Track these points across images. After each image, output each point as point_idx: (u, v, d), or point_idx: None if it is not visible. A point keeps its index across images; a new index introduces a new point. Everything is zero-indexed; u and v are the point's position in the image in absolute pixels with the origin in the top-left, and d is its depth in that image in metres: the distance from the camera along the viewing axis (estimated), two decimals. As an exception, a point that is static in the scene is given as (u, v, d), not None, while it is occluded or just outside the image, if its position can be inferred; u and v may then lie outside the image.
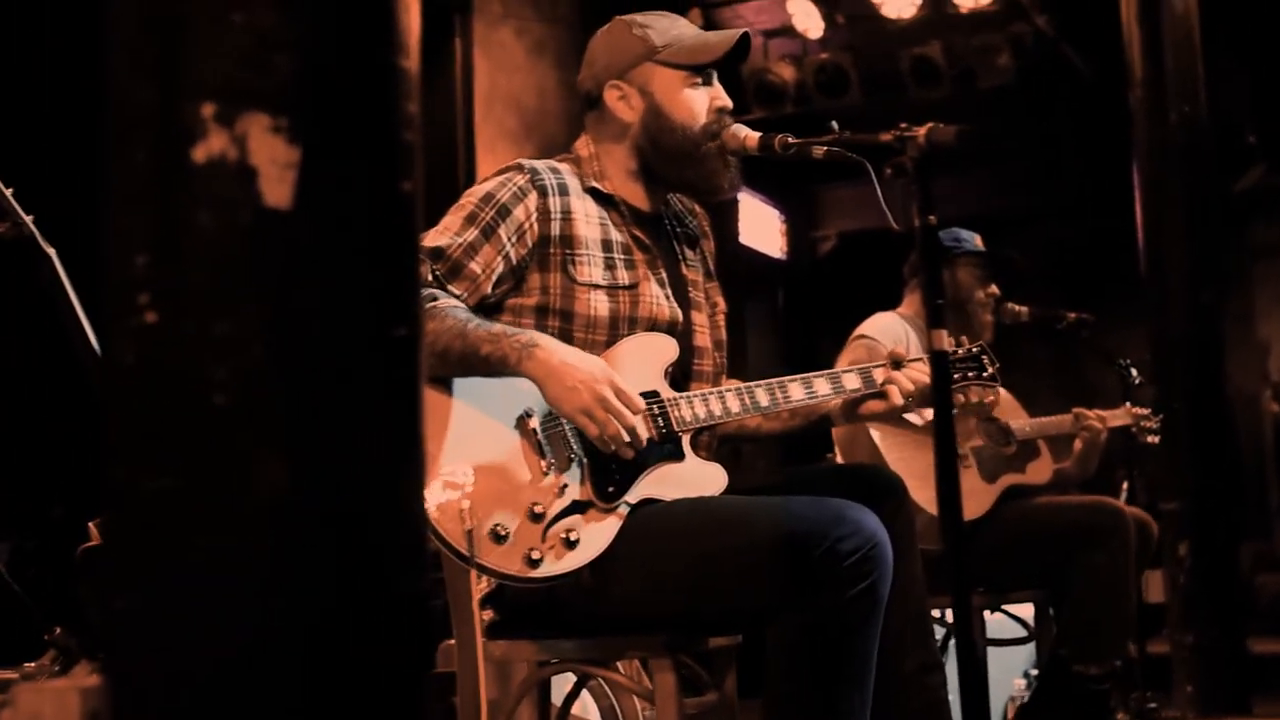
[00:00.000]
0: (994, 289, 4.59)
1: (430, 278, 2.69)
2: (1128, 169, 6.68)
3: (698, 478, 2.75)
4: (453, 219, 2.78)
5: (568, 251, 2.81)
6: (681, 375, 2.90)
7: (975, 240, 4.57)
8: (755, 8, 8.86)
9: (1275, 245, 12.45)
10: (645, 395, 2.73)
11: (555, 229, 2.81)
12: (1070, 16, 8.22)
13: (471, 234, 2.74)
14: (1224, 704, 6.04)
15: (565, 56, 7.80)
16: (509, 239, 2.77)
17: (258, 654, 1.16)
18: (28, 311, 3.39)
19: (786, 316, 11.64)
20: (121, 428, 1.20)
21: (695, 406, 2.78)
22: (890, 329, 4.38)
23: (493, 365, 2.62)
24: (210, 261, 1.19)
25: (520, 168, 2.85)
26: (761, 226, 10.87)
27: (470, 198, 2.82)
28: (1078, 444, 4.72)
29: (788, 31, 8.62)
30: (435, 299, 2.65)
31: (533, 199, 2.81)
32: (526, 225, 2.79)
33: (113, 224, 1.21)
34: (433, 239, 2.74)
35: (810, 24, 8.48)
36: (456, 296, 2.71)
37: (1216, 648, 6.16)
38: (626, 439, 2.62)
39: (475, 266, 2.73)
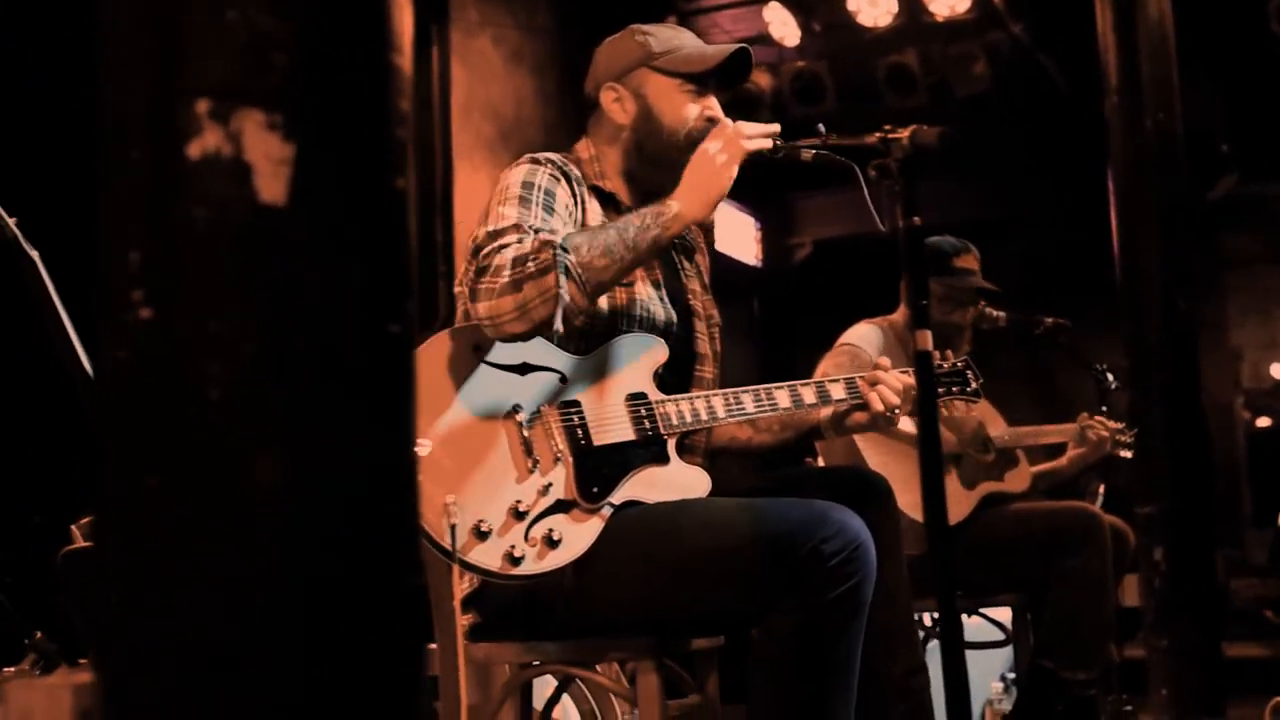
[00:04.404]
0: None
1: (530, 237, 2.62)
2: (1103, 177, 6.71)
3: (681, 481, 2.75)
4: (507, 208, 2.72)
5: None
6: (682, 380, 2.91)
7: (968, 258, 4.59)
8: (732, 15, 8.89)
9: (1246, 254, 12.54)
10: (633, 396, 2.74)
11: (579, 216, 2.83)
12: (1046, 25, 8.26)
13: (535, 210, 2.72)
14: (1198, 707, 6.06)
15: (543, 65, 7.80)
16: (564, 215, 2.78)
17: (253, 652, 1.16)
18: (8, 316, 3.37)
19: (762, 324, 11.65)
20: (114, 425, 1.20)
21: (683, 409, 2.78)
22: (873, 338, 4.39)
23: (658, 241, 2.71)
24: (204, 258, 1.19)
25: (538, 160, 2.85)
26: (737, 234, 10.89)
27: (511, 188, 2.77)
28: (1079, 449, 4.76)
29: (764, 39, 8.64)
30: (550, 241, 2.58)
31: (564, 185, 2.83)
32: (570, 205, 2.81)
33: (107, 221, 1.21)
34: (497, 221, 2.68)
35: (786, 32, 8.51)
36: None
37: (1191, 651, 6.19)
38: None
39: (556, 229, 2.72)
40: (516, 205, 2.72)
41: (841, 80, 8.68)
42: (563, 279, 2.53)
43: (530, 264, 2.53)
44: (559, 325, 2.55)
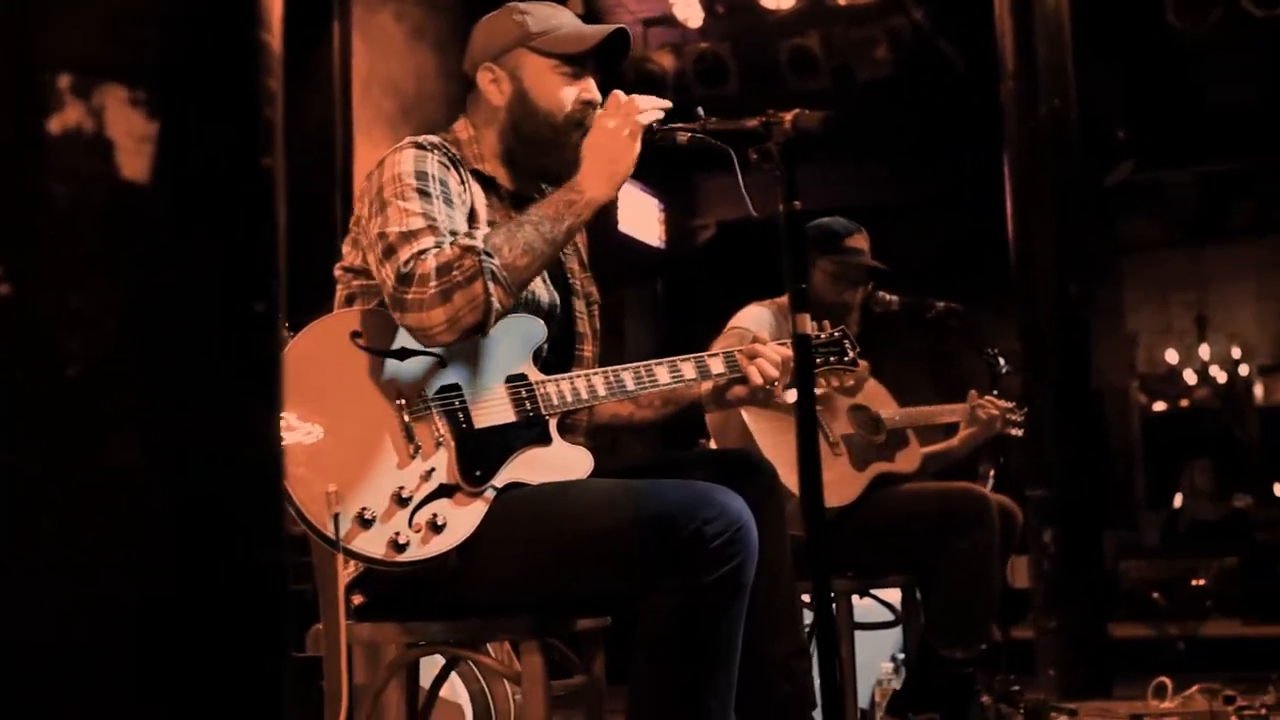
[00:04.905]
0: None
1: (449, 242, 2.59)
2: (999, 162, 6.80)
3: (564, 461, 2.75)
4: (409, 203, 2.65)
5: (472, 226, 2.78)
6: (564, 360, 2.91)
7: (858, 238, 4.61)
8: (637, -5, 8.89)
9: (1143, 240, 12.75)
10: (513, 378, 2.73)
11: (469, 202, 2.81)
12: (946, 11, 8.35)
13: (438, 205, 2.68)
14: (1085, 687, 6.19)
15: (445, 41, 7.77)
16: (459, 204, 2.75)
17: (104, 632, 1.15)
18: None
19: (665, 304, 11.69)
20: (-31, 402, 1.18)
21: (563, 389, 2.78)
22: (763, 320, 4.40)
23: (573, 230, 2.71)
24: (65, 234, 1.17)
25: (423, 145, 2.79)
26: (640, 215, 10.91)
27: (404, 178, 2.70)
28: (969, 429, 4.82)
29: (667, 20, 8.69)
30: (473, 246, 2.56)
31: (453, 172, 2.80)
32: (461, 192, 2.78)
33: (-37, 196, 1.19)
34: (405, 220, 2.62)
35: (690, 13, 8.54)
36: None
37: (1078, 632, 6.31)
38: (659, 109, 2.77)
39: (459, 227, 2.69)
40: (419, 200, 2.67)
41: (744, 62, 8.72)
42: (490, 285, 2.53)
43: (456, 272, 2.52)
44: (489, 330, 2.57)
